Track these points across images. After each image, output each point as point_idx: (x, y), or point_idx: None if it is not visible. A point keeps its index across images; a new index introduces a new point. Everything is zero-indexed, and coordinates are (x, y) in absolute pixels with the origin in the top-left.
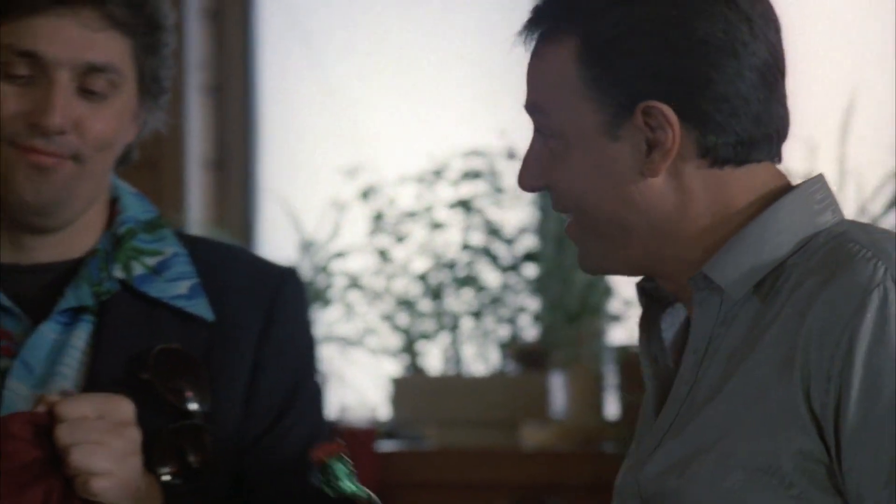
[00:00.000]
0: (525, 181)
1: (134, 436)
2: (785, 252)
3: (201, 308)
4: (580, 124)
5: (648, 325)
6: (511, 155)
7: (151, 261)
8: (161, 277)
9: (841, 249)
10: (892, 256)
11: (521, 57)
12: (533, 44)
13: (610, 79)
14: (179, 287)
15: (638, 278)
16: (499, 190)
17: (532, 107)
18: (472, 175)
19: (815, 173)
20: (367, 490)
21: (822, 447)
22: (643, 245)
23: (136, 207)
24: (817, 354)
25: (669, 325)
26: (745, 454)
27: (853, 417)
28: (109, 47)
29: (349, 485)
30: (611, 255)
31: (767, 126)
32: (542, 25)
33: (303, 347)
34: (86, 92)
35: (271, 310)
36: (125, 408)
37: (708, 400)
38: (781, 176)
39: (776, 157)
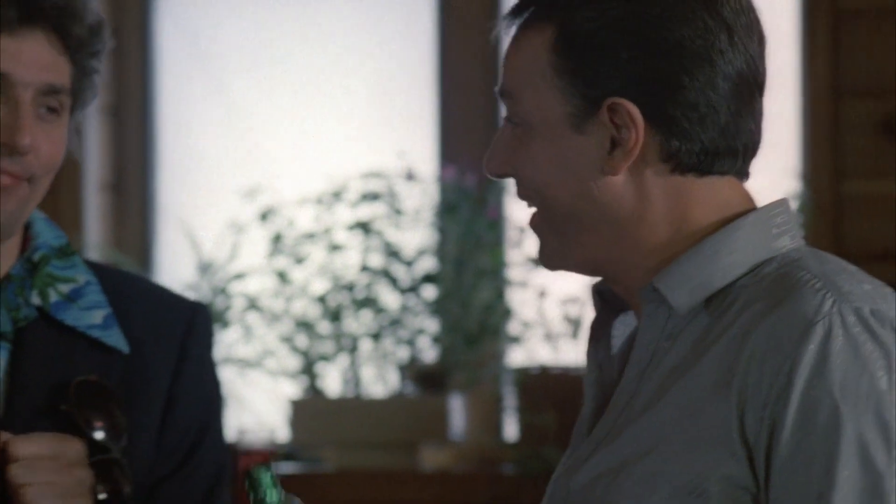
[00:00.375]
0: (491, 166)
1: (84, 477)
2: (737, 273)
3: (117, 339)
4: (547, 113)
5: (599, 330)
6: (410, 176)
7: (65, 288)
8: (76, 305)
9: (791, 276)
10: (842, 289)
11: (419, 79)
12: (513, 31)
13: (581, 71)
14: (94, 316)
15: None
16: (398, 212)
17: (504, 92)
18: (371, 197)
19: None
20: (295, 498)
21: (750, 474)
22: (599, 245)
23: (47, 233)
24: (756, 380)
25: (621, 333)
26: (672, 471)
27: (784, 448)
28: (64, 69)
29: (274, 493)
30: (567, 252)
31: (734, 139)
32: (523, 13)
33: (212, 384)
34: (42, 113)
35: (184, 345)
36: (77, 448)
37: (643, 412)
38: (745, 195)
39: (742, 173)
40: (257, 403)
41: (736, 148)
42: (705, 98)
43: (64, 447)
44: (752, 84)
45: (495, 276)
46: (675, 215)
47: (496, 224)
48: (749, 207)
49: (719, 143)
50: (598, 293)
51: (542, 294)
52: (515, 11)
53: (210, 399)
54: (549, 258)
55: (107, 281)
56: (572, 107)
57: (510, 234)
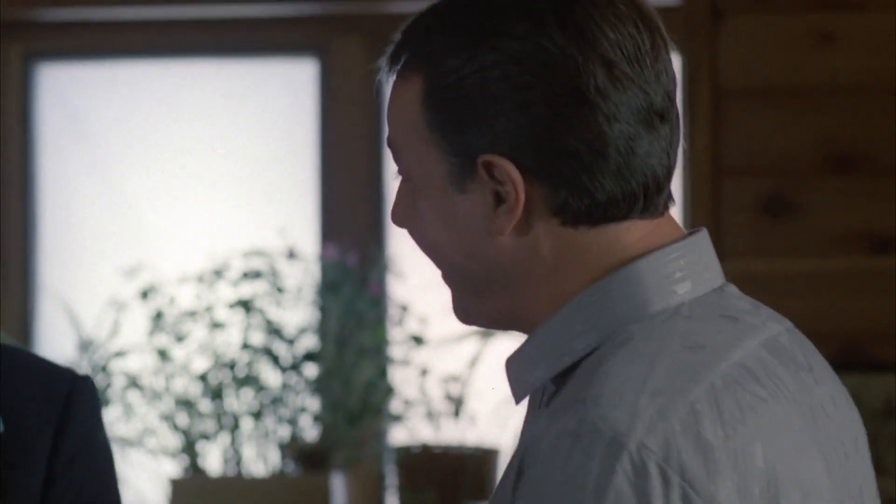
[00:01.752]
0: (393, 217)
1: None
2: (582, 350)
3: None
4: (427, 171)
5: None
6: (291, 254)
7: None
8: None
9: (595, 371)
10: (600, 403)
11: (300, 157)
12: (392, 78)
13: (451, 127)
14: None
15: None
16: (279, 290)
17: (389, 143)
18: (252, 275)
19: None
20: None
21: None
22: (500, 303)
23: None
24: None
25: None
26: None
27: None
28: None
29: None
30: (472, 310)
31: (629, 181)
32: (397, 60)
33: (97, 459)
34: None
35: (63, 419)
36: None
37: None
38: (649, 236)
39: (650, 211)
40: (138, 482)
41: (633, 190)
42: (586, 144)
43: None
44: (648, 115)
45: (377, 355)
46: (566, 273)
47: (378, 302)
48: (649, 250)
49: (612, 188)
50: None
51: (424, 372)
52: (391, 58)
53: (95, 476)
54: (458, 313)
55: None
56: (449, 164)
57: (392, 312)
